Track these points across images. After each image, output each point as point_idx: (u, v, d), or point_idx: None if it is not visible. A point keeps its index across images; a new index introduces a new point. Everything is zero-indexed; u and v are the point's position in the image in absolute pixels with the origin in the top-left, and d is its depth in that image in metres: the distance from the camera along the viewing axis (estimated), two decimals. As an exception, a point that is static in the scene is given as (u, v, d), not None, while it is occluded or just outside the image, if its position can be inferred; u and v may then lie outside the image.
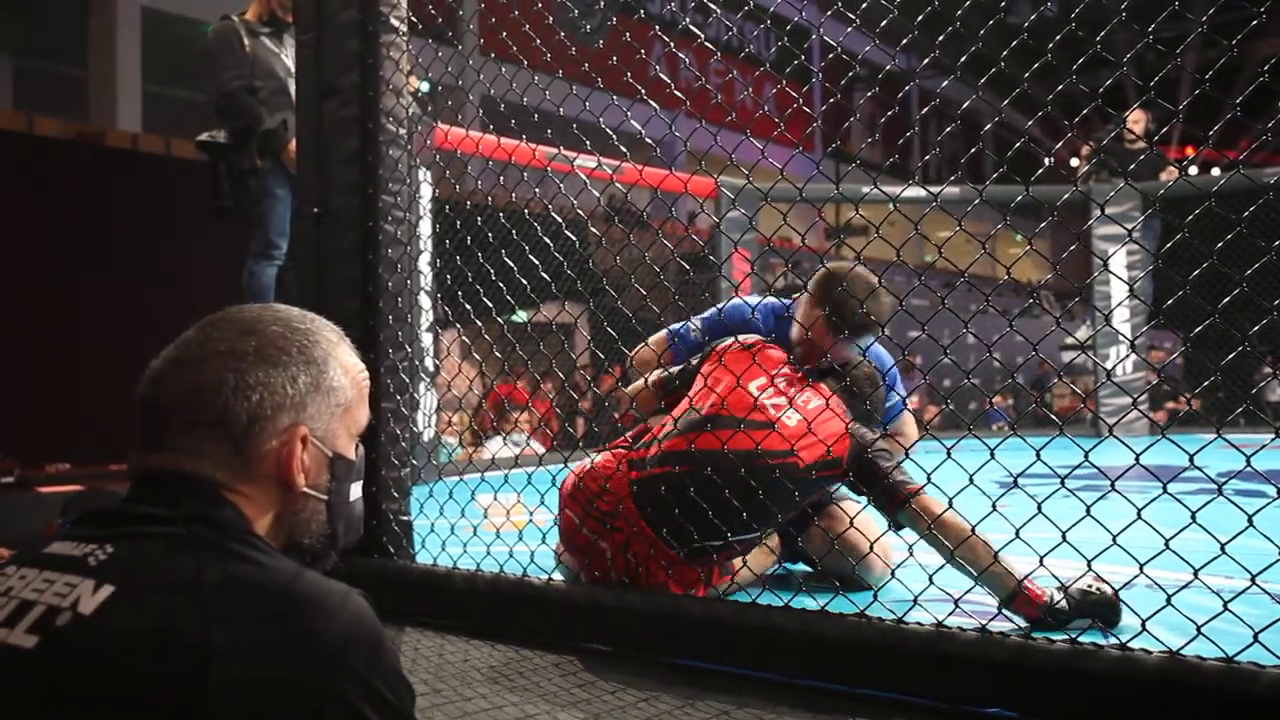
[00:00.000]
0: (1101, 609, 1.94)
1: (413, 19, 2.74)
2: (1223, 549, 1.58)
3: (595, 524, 2.35)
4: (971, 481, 1.83)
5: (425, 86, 4.76)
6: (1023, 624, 2.02)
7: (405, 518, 2.61)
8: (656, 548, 2.28)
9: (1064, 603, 1.99)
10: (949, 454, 1.87)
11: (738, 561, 2.38)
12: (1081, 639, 1.65)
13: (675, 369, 2.61)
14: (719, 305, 2.92)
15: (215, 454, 0.94)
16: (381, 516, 2.56)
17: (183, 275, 6.74)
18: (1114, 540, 1.62)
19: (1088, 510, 1.70)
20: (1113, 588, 1.99)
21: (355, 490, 1.07)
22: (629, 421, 2.68)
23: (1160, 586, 1.65)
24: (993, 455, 1.80)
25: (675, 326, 2.95)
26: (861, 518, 2.22)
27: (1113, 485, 1.66)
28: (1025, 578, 2.01)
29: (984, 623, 1.77)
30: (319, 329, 1.04)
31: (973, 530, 2.03)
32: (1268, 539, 1.56)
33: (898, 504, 2.22)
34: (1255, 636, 1.53)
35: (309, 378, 0.98)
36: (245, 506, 0.94)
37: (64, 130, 7.48)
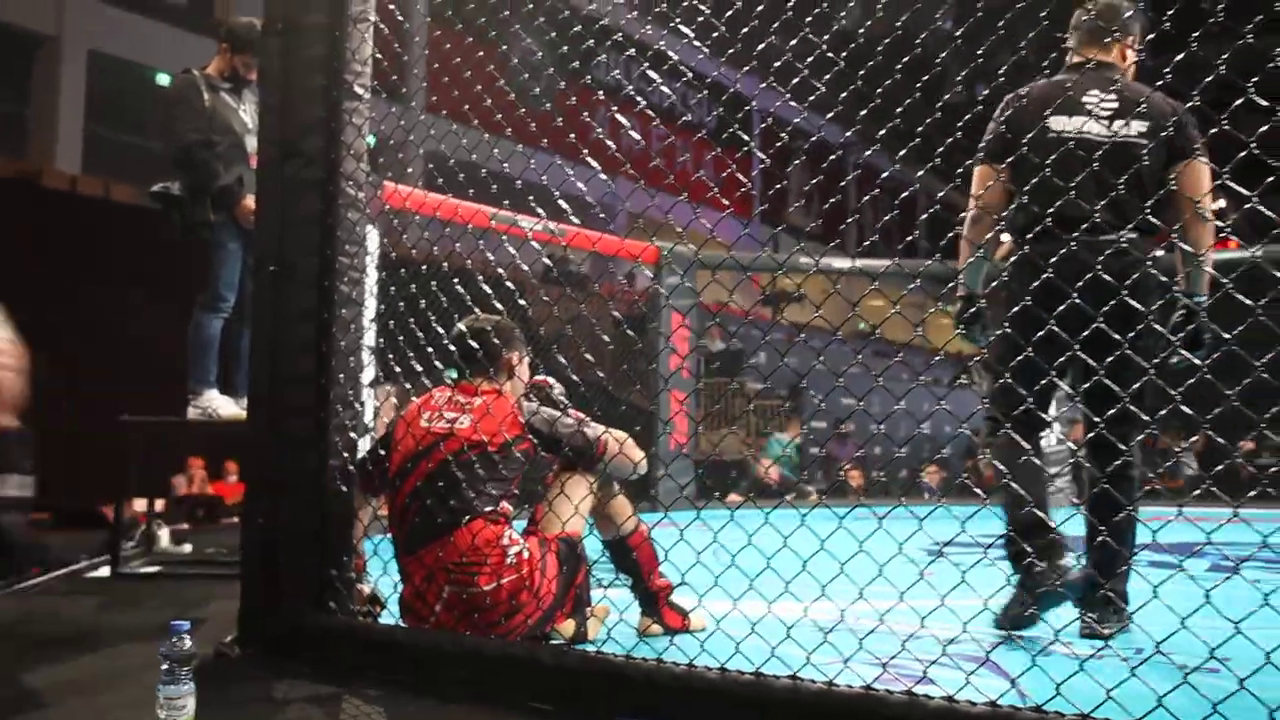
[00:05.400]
0: None
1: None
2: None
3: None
4: (900, 550, 1.93)
5: (372, 141, 4.82)
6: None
7: (349, 574, 2.63)
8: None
9: None
10: (880, 522, 1.97)
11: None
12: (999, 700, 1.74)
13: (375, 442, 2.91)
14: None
15: None
16: (327, 573, 2.58)
17: (117, 321, 6.66)
18: (1029, 610, 1.73)
19: (1008, 580, 1.80)
20: None
21: None
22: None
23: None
24: (921, 525, 1.91)
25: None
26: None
27: (1035, 559, 1.77)
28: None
29: (911, 685, 1.85)
30: None
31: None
32: (1221, 615, 1.62)
33: (594, 461, 2.74)
34: (1213, 707, 1.58)
35: None
36: None
37: (2, 168, 7.39)
